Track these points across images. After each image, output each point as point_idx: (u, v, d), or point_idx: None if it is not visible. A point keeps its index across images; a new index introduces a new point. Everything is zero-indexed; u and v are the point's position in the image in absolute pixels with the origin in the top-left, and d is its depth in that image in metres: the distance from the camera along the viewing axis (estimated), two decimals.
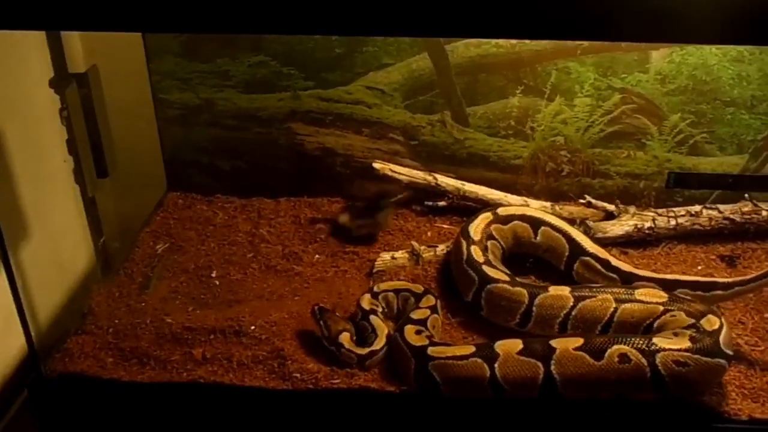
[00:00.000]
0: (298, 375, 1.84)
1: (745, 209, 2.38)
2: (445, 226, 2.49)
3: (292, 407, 1.84)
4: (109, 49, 2.38)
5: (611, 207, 2.43)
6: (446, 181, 2.51)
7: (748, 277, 2.03)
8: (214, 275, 2.26)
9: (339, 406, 1.83)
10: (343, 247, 2.37)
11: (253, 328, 1.98)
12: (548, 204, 2.49)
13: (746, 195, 2.41)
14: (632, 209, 2.41)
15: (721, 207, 2.41)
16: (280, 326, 2.00)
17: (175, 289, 2.20)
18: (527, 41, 2.38)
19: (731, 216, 2.38)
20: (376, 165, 2.50)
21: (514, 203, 2.47)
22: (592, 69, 2.40)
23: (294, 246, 2.38)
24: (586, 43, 2.36)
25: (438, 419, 1.83)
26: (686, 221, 2.38)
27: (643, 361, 1.73)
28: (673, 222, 2.38)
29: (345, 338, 1.92)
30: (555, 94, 2.44)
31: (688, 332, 1.79)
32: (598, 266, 2.16)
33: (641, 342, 1.75)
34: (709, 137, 2.46)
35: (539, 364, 1.76)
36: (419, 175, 2.51)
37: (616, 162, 2.51)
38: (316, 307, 2.00)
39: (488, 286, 2.03)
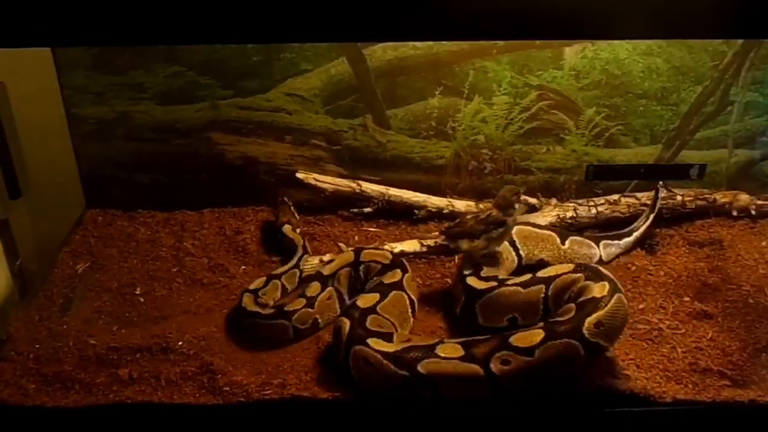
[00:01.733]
0: (228, 389, 1.81)
1: (661, 195, 2.46)
2: (372, 229, 2.49)
3: (225, 422, 1.81)
4: (17, 65, 2.30)
5: (533, 200, 2.48)
6: (371, 187, 2.51)
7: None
8: (138, 292, 2.21)
9: (272, 417, 1.80)
10: (269, 257, 2.34)
11: (180, 343, 1.94)
12: (472, 203, 2.52)
13: (661, 182, 2.48)
14: (554, 201, 2.47)
15: (638, 194, 2.49)
16: (209, 340, 1.97)
17: (98, 309, 2.14)
18: (444, 42, 2.40)
19: (648, 202, 2.46)
20: (300, 175, 2.49)
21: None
22: (508, 67, 2.44)
23: (220, 258, 2.35)
24: (501, 43, 2.39)
25: (371, 426, 1.83)
26: (606, 209, 2.46)
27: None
28: (593, 211, 2.45)
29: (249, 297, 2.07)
30: (473, 94, 2.47)
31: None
32: None
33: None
34: (624, 129, 2.53)
35: None
36: (344, 183, 2.51)
37: (536, 158, 2.56)
38: (281, 198, 2.45)
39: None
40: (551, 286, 1.96)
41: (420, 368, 1.75)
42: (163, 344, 1.93)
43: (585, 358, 1.77)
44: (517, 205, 2.13)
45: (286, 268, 2.23)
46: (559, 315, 1.84)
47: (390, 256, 2.16)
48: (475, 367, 1.75)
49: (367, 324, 1.89)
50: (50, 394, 1.84)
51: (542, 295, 1.96)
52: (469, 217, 2.16)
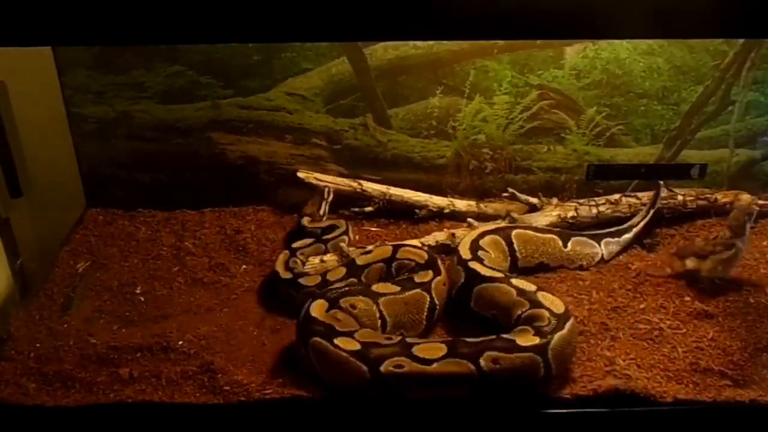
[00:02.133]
0: (228, 388, 1.80)
1: (662, 195, 2.45)
2: (372, 228, 2.49)
3: (225, 421, 1.80)
4: (18, 64, 2.30)
5: (534, 200, 2.47)
6: (372, 186, 2.51)
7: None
8: (138, 291, 2.21)
9: (273, 416, 1.80)
10: (270, 256, 2.34)
11: (181, 343, 1.93)
12: (473, 202, 2.52)
13: (662, 182, 2.48)
14: (555, 201, 2.47)
15: (639, 194, 2.49)
16: (209, 339, 1.96)
17: (98, 308, 2.14)
18: (444, 42, 2.40)
19: (649, 202, 2.45)
20: (301, 174, 2.49)
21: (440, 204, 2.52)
22: (509, 67, 2.44)
23: (220, 257, 2.35)
24: (502, 42, 2.39)
25: (368, 424, 1.82)
26: (607, 209, 2.45)
27: None
28: (594, 210, 2.44)
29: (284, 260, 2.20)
30: (474, 93, 2.47)
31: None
32: None
33: None
34: (625, 129, 2.53)
35: None
36: (345, 182, 2.51)
37: (537, 157, 2.56)
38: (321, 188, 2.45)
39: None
40: (531, 311, 1.92)
41: (309, 344, 1.80)
42: (164, 343, 1.93)
43: (480, 383, 1.75)
44: (748, 225, 2.14)
45: (335, 234, 2.33)
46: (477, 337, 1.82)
47: (426, 256, 2.12)
48: (359, 365, 1.74)
49: (342, 301, 1.91)
50: (51, 394, 1.83)
51: (522, 311, 1.94)
52: (699, 239, 2.27)
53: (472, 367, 1.74)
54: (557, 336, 1.81)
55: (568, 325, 1.84)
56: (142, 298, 2.18)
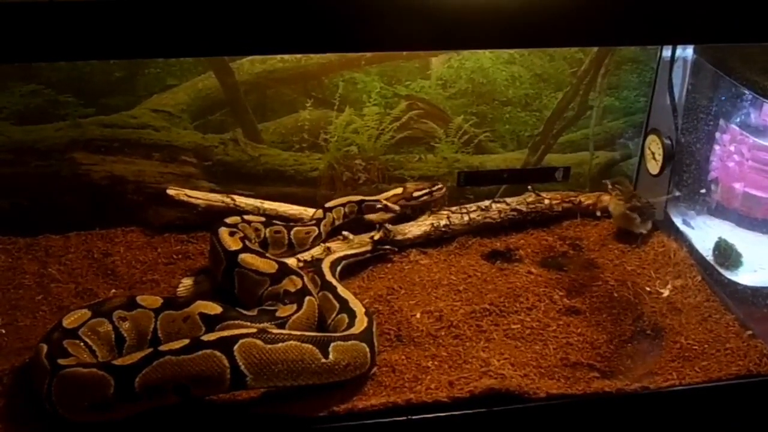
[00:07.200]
0: None
1: (530, 200, 2.55)
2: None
3: None
4: None
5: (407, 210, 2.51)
6: (245, 201, 2.47)
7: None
8: None
9: None
10: (141, 278, 2.27)
11: None
12: None
13: (529, 187, 2.58)
14: (427, 210, 2.50)
15: (509, 199, 2.56)
16: None
17: None
18: (312, 55, 2.40)
19: (518, 207, 2.54)
20: (171, 191, 2.42)
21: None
22: (378, 78, 2.46)
23: (88, 282, 2.25)
24: (369, 54, 2.42)
25: None
26: (478, 216, 2.51)
27: None
28: (466, 218, 2.50)
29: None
30: (344, 105, 2.48)
31: None
32: None
33: None
34: (492, 136, 2.60)
35: None
36: (216, 198, 2.45)
37: (408, 166, 2.59)
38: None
39: None
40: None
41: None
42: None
43: None
44: None
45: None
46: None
47: (300, 285, 2.07)
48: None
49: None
50: None
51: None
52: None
53: None
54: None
55: None
56: (3, 331, 2.06)
